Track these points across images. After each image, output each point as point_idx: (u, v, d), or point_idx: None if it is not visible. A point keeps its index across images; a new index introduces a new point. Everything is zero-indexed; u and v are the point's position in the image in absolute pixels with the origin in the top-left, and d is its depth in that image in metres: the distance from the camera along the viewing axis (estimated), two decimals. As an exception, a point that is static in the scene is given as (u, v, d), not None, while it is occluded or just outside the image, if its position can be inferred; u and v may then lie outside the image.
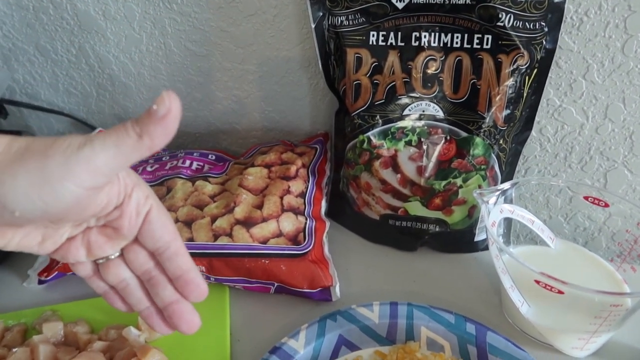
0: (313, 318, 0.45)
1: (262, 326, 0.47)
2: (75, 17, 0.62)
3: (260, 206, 0.51)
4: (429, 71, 0.49)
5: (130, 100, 0.68)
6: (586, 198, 0.48)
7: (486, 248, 0.54)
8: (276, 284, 0.48)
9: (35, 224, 0.29)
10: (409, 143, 0.50)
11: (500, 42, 0.47)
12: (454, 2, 0.46)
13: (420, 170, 0.51)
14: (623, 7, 0.46)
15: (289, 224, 0.50)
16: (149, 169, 0.56)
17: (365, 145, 0.52)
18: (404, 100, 0.50)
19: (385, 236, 0.55)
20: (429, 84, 0.50)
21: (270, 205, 0.51)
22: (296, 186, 0.53)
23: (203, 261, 0.48)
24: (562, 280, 0.38)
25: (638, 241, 0.45)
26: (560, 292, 0.39)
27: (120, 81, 0.66)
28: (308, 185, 0.54)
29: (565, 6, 0.46)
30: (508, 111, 0.49)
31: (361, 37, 0.50)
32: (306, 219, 0.51)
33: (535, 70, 0.48)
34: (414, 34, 0.48)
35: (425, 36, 0.48)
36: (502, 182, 0.52)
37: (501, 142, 0.50)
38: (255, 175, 0.53)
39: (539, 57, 0.47)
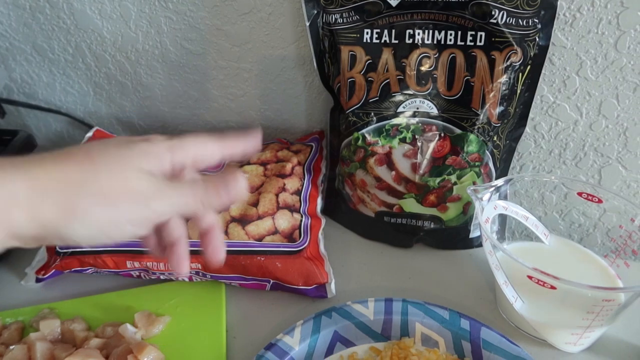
0: (309, 315, 0.46)
1: (258, 323, 0.48)
2: (72, 16, 0.62)
3: (255, 204, 0.51)
4: (423, 68, 0.49)
5: (127, 99, 0.68)
6: (580, 194, 0.48)
7: (481, 244, 0.55)
8: (272, 281, 0.49)
9: None
10: (403, 140, 0.51)
11: (493, 39, 0.47)
12: (447, 0, 0.46)
13: (415, 167, 0.51)
14: (616, 4, 0.46)
15: (284, 221, 0.50)
16: (145, 167, 0.56)
17: (360, 142, 0.52)
18: (398, 97, 0.50)
19: (381, 233, 0.56)
20: (423, 81, 0.50)
21: (266, 202, 0.51)
22: (292, 184, 0.53)
23: (199, 259, 0.48)
24: (554, 275, 0.38)
25: (631, 237, 0.45)
26: (552, 287, 0.39)
27: (117, 80, 0.67)
28: (304, 183, 0.54)
29: (558, 3, 0.46)
30: (502, 108, 0.49)
31: (355, 35, 0.50)
32: (302, 217, 0.52)
33: (529, 67, 0.48)
34: (407, 31, 0.49)
35: (419, 33, 0.48)
36: (496, 178, 0.52)
37: (495, 138, 0.50)
38: (251, 173, 0.54)
39: (532, 53, 0.47)
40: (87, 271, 0.50)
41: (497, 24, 0.46)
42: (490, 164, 0.51)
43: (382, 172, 0.52)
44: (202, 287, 0.50)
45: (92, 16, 0.61)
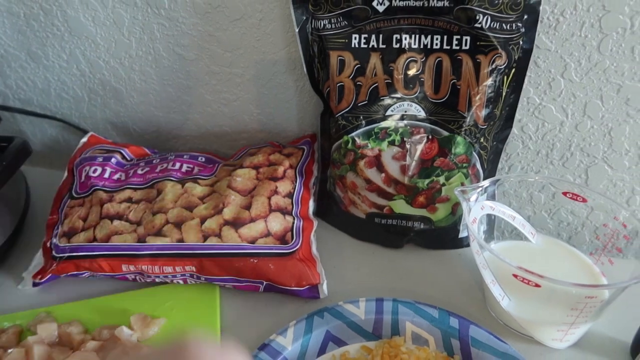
0: (301, 315, 0.47)
1: (252, 324, 0.49)
2: (66, 23, 0.63)
3: (248, 207, 0.52)
4: (410, 72, 0.50)
5: (121, 104, 0.69)
6: (565, 194, 0.49)
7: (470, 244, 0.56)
8: (265, 283, 0.50)
9: None
10: (392, 143, 0.52)
11: (478, 43, 0.48)
12: (432, 5, 0.47)
13: (404, 169, 0.52)
14: (597, 7, 0.47)
15: (276, 223, 0.51)
16: (139, 171, 0.57)
17: (349, 145, 0.53)
18: (387, 101, 0.51)
19: (372, 234, 0.57)
20: (411, 85, 0.51)
21: (258, 205, 0.52)
22: (284, 187, 0.54)
23: (193, 261, 0.49)
24: (538, 273, 0.39)
25: (615, 234, 0.46)
26: (537, 285, 0.40)
27: (111, 86, 0.67)
28: (295, 186, 0.55)
29: (541, 7, 0.47)
30: (488, 110, 0.50)
31: (344, 40, 0.51)
32: (294, 219, 0.53)
33: (514, 70, 0.49)
34: (394, 36, 0.50)
35: (405, 38, 0.49)
36: (484, 179, 0.53)
37: (482, 140, 0.51)
38: (243, 177, 0.54)
39: (516, 57, 0.48)
40: (83, 275, 0.51)
41: (481, 28, 0.47)
42: (478, 165, 0.52)
43: (372, 174, 0.53)
44: (197, 289, 0.51)
45: (85, 23, 0.62)
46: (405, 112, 0.51)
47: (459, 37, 0.48)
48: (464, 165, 0.51)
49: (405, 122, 0.51)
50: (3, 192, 0.54)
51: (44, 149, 0.77)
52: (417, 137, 0.51)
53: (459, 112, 0.50)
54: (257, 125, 0.66)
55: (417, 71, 0.50)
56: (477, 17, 0.47)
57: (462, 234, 0.56)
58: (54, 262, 0.51)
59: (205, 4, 0.57)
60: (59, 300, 0.51)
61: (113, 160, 0.58)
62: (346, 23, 0.50)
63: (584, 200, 0.48)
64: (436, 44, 0.49)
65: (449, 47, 0.49)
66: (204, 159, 0.60)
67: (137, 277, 0.51)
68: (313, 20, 0.51)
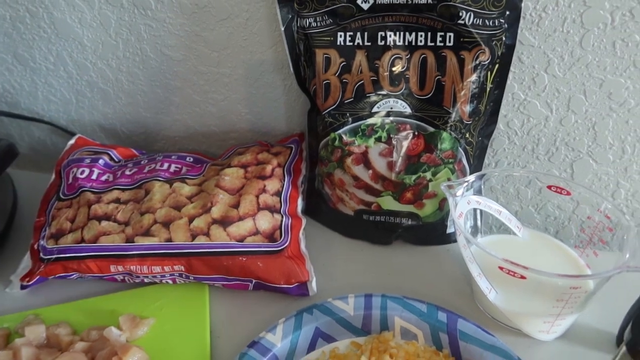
0: (291, 312, 0.47)
1: (242, 322, 0.49)
2: (52, 25, 0.63)
3: (236, 205, 0.52)
4: (396, 69, 0.51)
5: (109, 106, 0.69)
6: (549, 187, 0.50)
7: (458, 239, 0.56)
8: (254, 281, 0.50)
9: None
10: (378, 139, 0.52)
11: (462, 40, 0.48)
12: (416, 2, 0.48)
13: (391, 166, 0.52)
14: (579, 3, 0.48)
15: (265, 221, 0.51)
16: (127, 172, 0.57)
17: (336, 142, 0.53)
18: (373, 98, 0.52)
19: (360, 231, 0.57)
20: (396, 82, 0.51)
21: (247, 204, 0.52)
22: (272, 185, 0.54)
23: (182, 261, 0.49)
24: (523, 265, 0.40)
25: (599, 226, 0.47)
26: (522, 277, 0.41)
27: (99, 87, 0.67)
28: (284, 184, 0.55)
29: (524, 3, 0.48)
30: (472, 106, 0.50)
31: (329, 38, 0.51)
32: (282, 217, 0.53)
33: (497, 66, 0.50)
34: (379, 33, 0.50)
35: (390, 35, 0.50)
36: (470, 174, 0.54)
37: (467, 135, 0.52)
38: (231, 176, 0.54)
39: (499, 53, 0.49)
40: (72, 277, 0.51)
41: (464, 24, 0.47)
42: (464, 161, 0.53)
43: (360, 171, 0.53)
44: (186, 288, 0.51)
45: (72, 25, 0.62)
46: (391, 108, 0.52)
47: (442, 33, 0.49)
48: (450, 160, 0.52)
49: (391, 118, 0.52)
50: (-10, 194, 0.54)
51: (32, 151, 0.77)
52: (404, 133, 0.52)
53: (444, 108, 0.50)
54: (246, 125, 0.66)
55: (402, 68, 0.51)
56: (461, 14, 0.47)
57: (450, 229, 0.56)
58: (42, 264, 0.50)
59: (192, 5, 0.57)
60: (47, 303, 0.51)
61: (101, 161, 0.58)
62: (331, 21, 0.51)
63: (568, 194, 0.49)
64: (420, 41, 0.49)
65: (433, 44, 0.49)
66: (192, 159, 0.60)
67: (126, 278, 0.51)
68: (299, 19, 0.52)
